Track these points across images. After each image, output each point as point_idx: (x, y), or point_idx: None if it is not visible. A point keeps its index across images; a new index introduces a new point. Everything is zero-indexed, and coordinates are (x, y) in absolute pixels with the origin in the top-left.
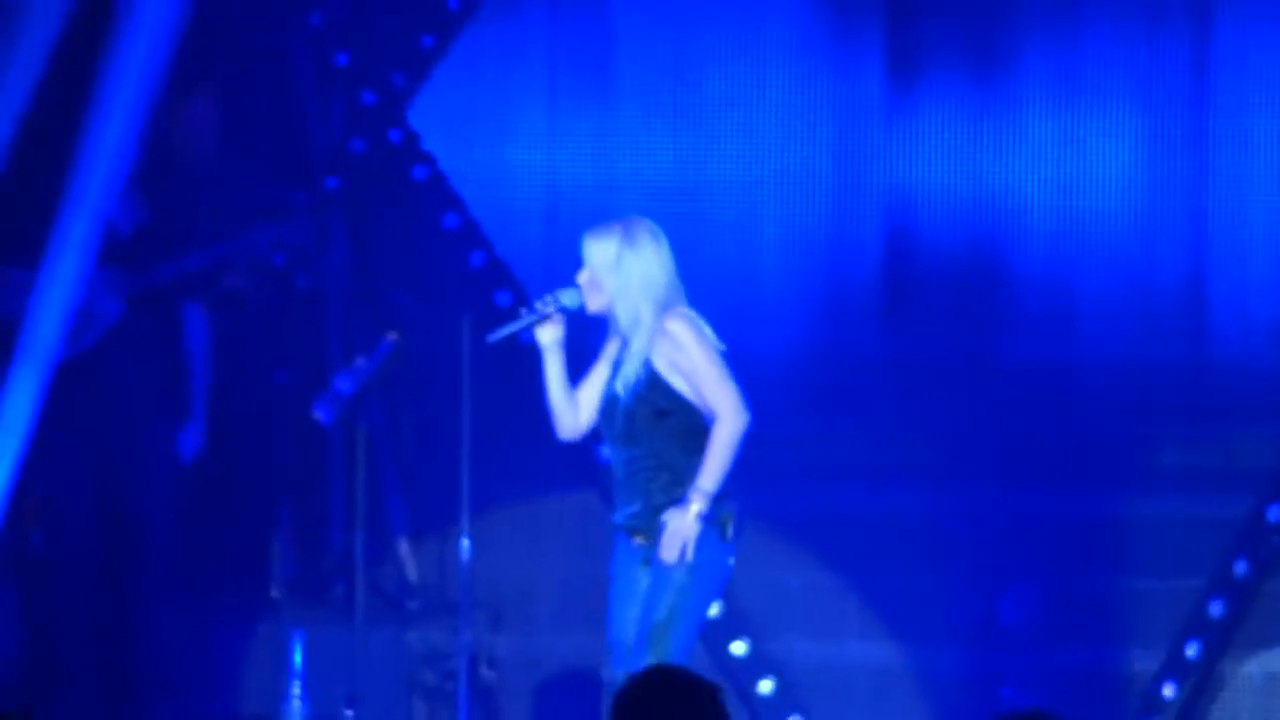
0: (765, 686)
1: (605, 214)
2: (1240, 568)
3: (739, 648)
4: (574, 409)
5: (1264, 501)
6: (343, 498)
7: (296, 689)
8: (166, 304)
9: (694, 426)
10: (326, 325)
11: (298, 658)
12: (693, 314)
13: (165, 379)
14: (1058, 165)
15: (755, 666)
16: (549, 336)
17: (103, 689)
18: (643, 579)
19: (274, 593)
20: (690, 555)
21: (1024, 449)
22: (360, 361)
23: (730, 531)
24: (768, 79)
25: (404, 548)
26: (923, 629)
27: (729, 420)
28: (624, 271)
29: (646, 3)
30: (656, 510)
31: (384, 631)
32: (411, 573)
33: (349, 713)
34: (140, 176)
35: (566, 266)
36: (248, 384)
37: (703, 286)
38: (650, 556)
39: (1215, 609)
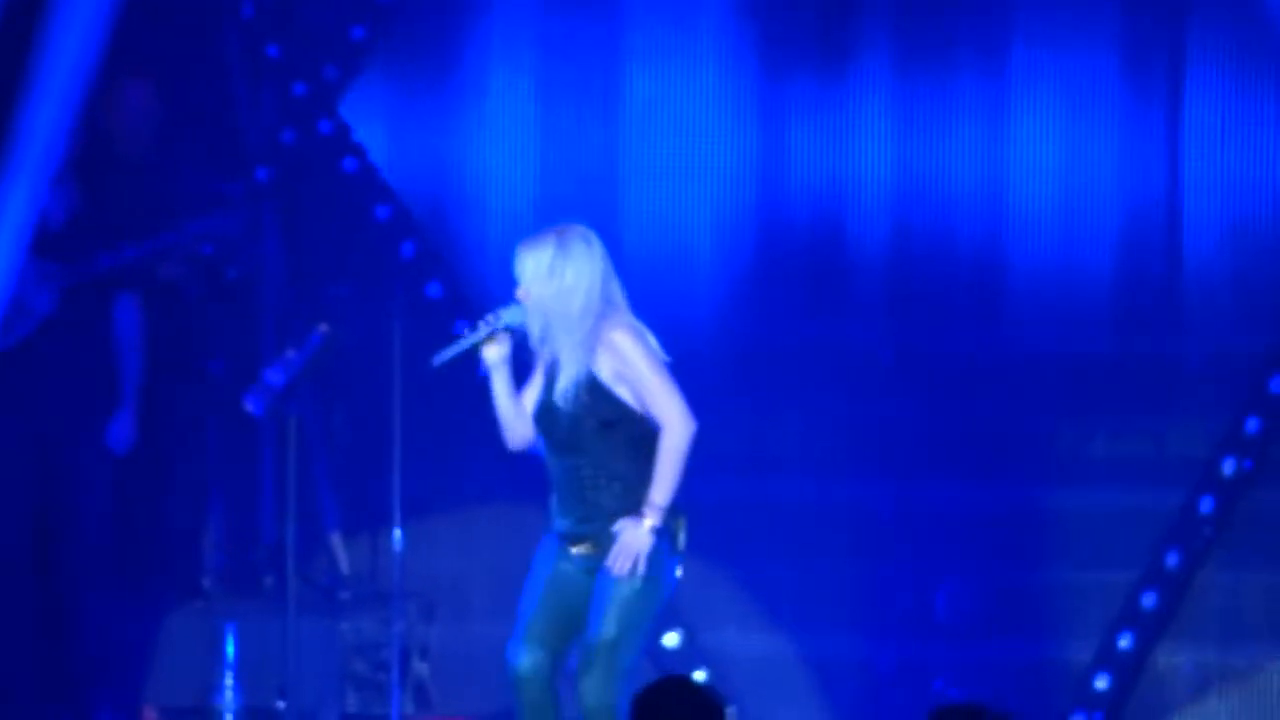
0: (698, 678)
1: (537, 204)
2: (1172, 559)
3: (672, 639)
4: (523, 420)
5: (1196, 493)
6: (274, 489)
7: (229, 680)
8: (99, 295)
9: (641, 436)
10: (258, 316)
11: (230, 648)
12: (636, 324)
13: (97, 370)
14: (987, 157)
15: (689, 658)
16: (494, 355)
17: (35, 680)
18: (581, 586)
19: (206, 583)
20: (642, 569)
21: (956, 441)
22: (291, 353)
23: (681, 541)
24: (696, 73)
25: (336, 538)
26: (857, 621)
27: (676, 430)
28: (558, 279)
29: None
30: (610, 518)
31: (316, 622)
32: (343, 564)
33: (281, 703)
34: (74, 166)
35: (498, 257)
36: (179, 375)
37: (632, 278)
38: (596, 567)
39: (1147, 600)
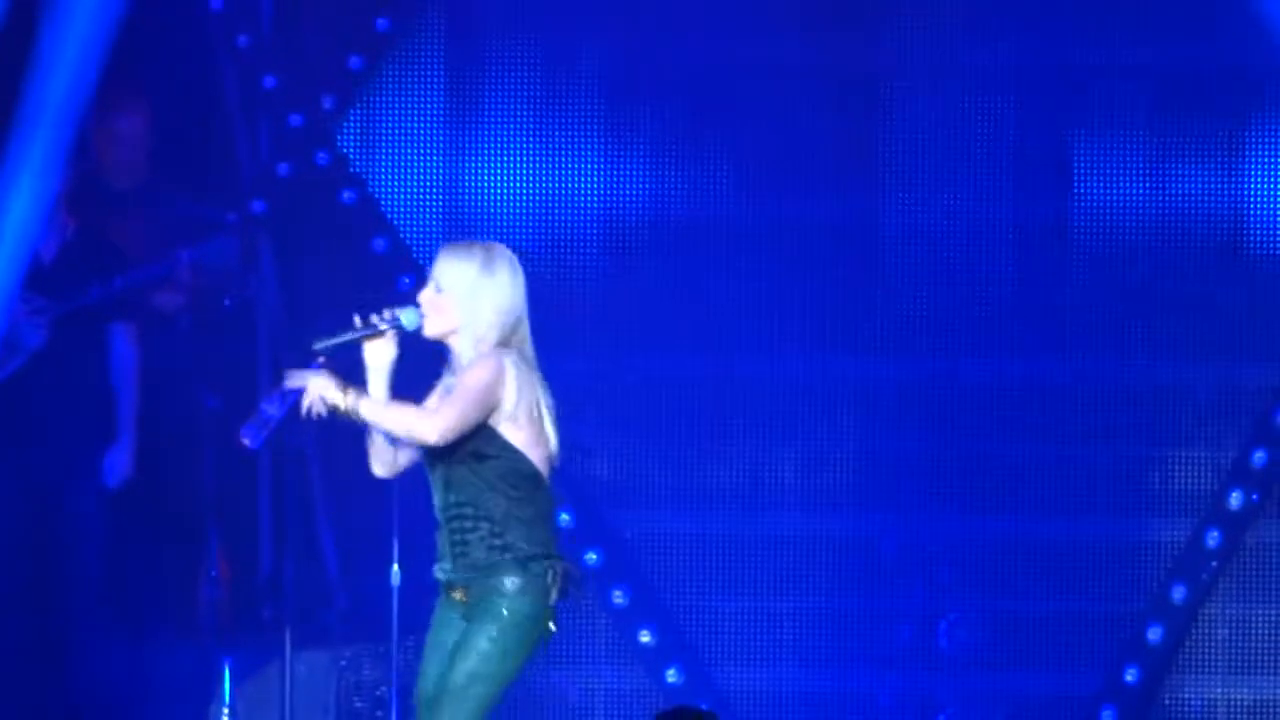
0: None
1: (538, 237)
2: (1178, 592)
3: (672, 675)
4: (392, 449)
5: (1202, 526)
6: (272, 522)
7: (226, 715)
8: (93, 326)
9: (516, 471)
10: (255, 348)
11: (227, 684)
12: (521, 362)
13: (92, 402)
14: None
15: (691, 693)
16: (379, 357)
17: (31, 713)
18: (454, 634)
19: (202, 618)
20: (318, 406)
21: (961, 472)
22: (288, 385)
23: (554, 594)
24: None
25: (334, 573)
26: (860, 655)
27: (430, 421)
28: (475, 299)
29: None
30: (475, 567)
31: (314, 658)
32: (341, 599)
33: None
34: (66, 198)
35: None
36: (175, 407)
37: (637, 313)
38: (468, 614)
39: (1154, 634)
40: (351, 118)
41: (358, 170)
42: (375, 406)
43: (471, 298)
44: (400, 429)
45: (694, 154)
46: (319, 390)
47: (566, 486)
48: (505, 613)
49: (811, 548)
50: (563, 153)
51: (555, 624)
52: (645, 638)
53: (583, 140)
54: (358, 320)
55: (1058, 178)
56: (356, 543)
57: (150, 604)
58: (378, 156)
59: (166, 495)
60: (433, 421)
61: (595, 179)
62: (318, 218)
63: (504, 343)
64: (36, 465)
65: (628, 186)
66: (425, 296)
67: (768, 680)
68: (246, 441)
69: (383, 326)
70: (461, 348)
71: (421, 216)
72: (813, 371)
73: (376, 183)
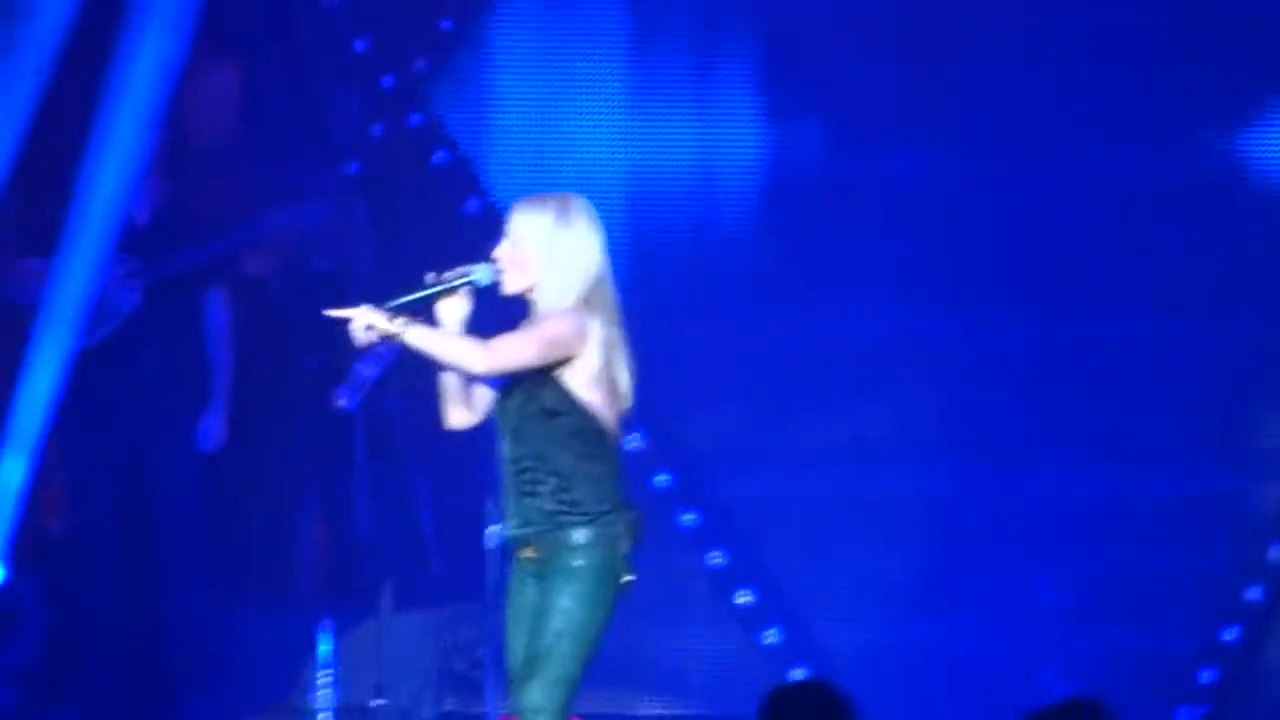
0: (798, 675)
1: (631, 198)
2: (1277, 551)
3: (771, 636)
4: (467, 398)
5: None
6: (368, 485)
7: (324, 678)
8: (186, 291)
9: (585, 431)
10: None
11: (325, 647)
12: (607, 325)
13: (186, 366)
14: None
15: (788, 654)
16: (452, 314)
17: (128, 679)
18: (532, 596)
19: (300, 582)
20: (365, 335)
21: (1061, 429)
22: (383, 346)
23: (625, 546)
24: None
25: (430, 535)
26: (960, 612)
27: (480, 352)
28: (552, 253)
29: None
30: (546, 519)
31: (412, 620)
32: (437, 561)
33: (378, 702)
34: (159, 162)
35: None
36: (270, 371)
37: (725, 275)
38: (541, 572)
39: (1253, 594)
40: (444, 79)
41: (450, 132)
42: (423, 331)
43: (547, 250)
44: (448, 355)
45: (784, 109)
46: (364, 320)
47: (666, 448)
48: (578, 564)
49: (910, 506)
50: (654, 111)
51: (633, 572)
52: (743, 598)
53: (675, 99)
54: (430, 277)
55: (1154, 133)
56: (452, 504)
57: (247, 567)
58: (470, 118)
59: (262, 459)
60: (484, 353)
61: (687, 137)
62: (410, 180)
63: (586, 301)
64: (131, 429)
65: (720, 143)
66: (501, 251)
67: (868, 639)
68: (342, 403)
69: (456, 283)
70: (544, 303)
71: (514, 178)
72: (910, 330)
73: (468, 144)
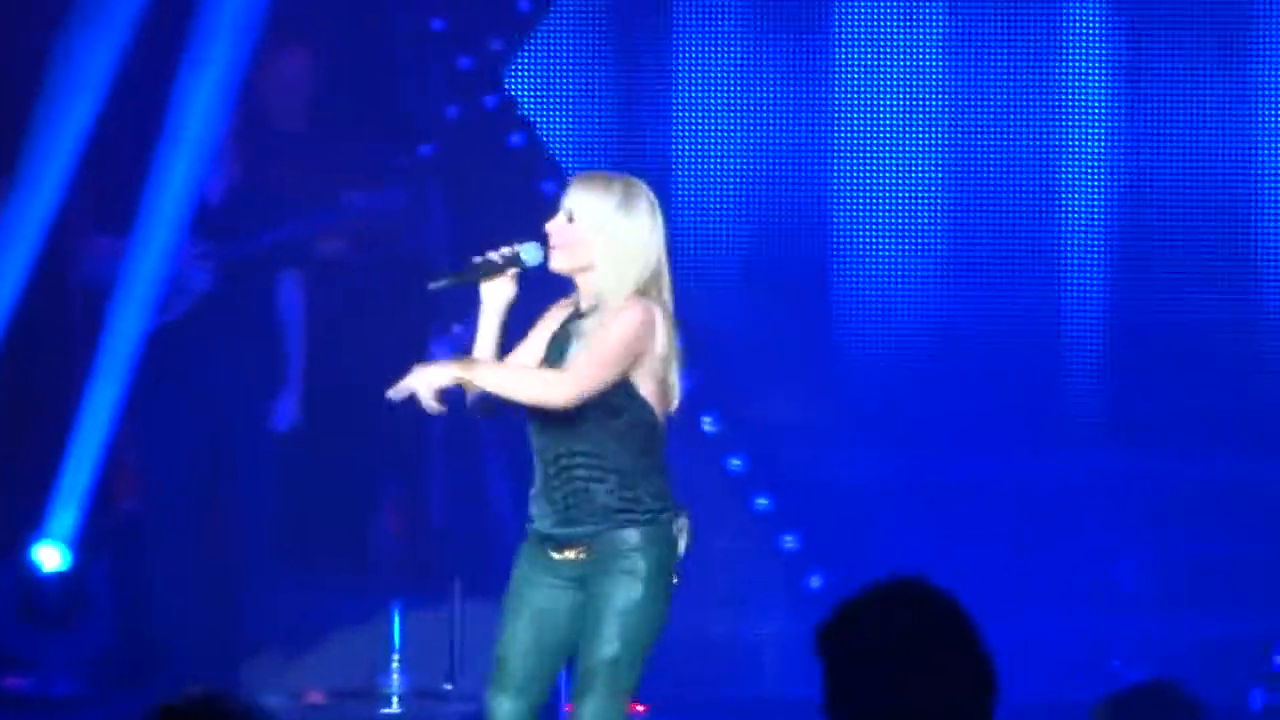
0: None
1: (721, 184)
2: None
3: None
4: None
5: None
6: (443, 469)
7: (396, 662)
8: (261, 272)
9: (643, 424)
10: (425, 293)
11: (397, 630)
12: (665, 309)
13: (260, 347)
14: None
15: None
16: (498, 296)
17: (200, 660)
18: (565, 606)
19: (373, 565)
20: (434, 404)
21: (1142, 410)
22: (458, 329)
23: (683, 545)
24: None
25: (504, 520)
26: (1039, 596)
27: (563, 385)
28: (609, 234)
29: None
30: (605, 517)
31: (484, 604)
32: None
33: (448, 686)
34: (232, 140)
35: (676, 235)
36: (345, 354)
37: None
38: (588, 576)
39: None
40: (520, 60)
41: (526, 113)
42: (492, 370)
43: (605, 232)
44: (525, 393)
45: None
46: (425, 382)
47: (740, 431)
48: (638, 565)
49: (984, 490)
50: (730, 95)
51: (678, 576)
52: (816, 583)
53: (736, 78)
54: (475, 258)
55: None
56: (526, 487)
57: (321, 550)
58: (546, 99)
59: (339, 442)
60: (568, 384)
61: (760, 117)
62: (486, 161)
63: (643, 292)
64: (205, 409)
65: (795, 124)
66: (554, 225)
67: None
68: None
69: (501, 263)
70: (598, 288)
71: (589, 160)
72: (988, 311)
73: (545, 126)
